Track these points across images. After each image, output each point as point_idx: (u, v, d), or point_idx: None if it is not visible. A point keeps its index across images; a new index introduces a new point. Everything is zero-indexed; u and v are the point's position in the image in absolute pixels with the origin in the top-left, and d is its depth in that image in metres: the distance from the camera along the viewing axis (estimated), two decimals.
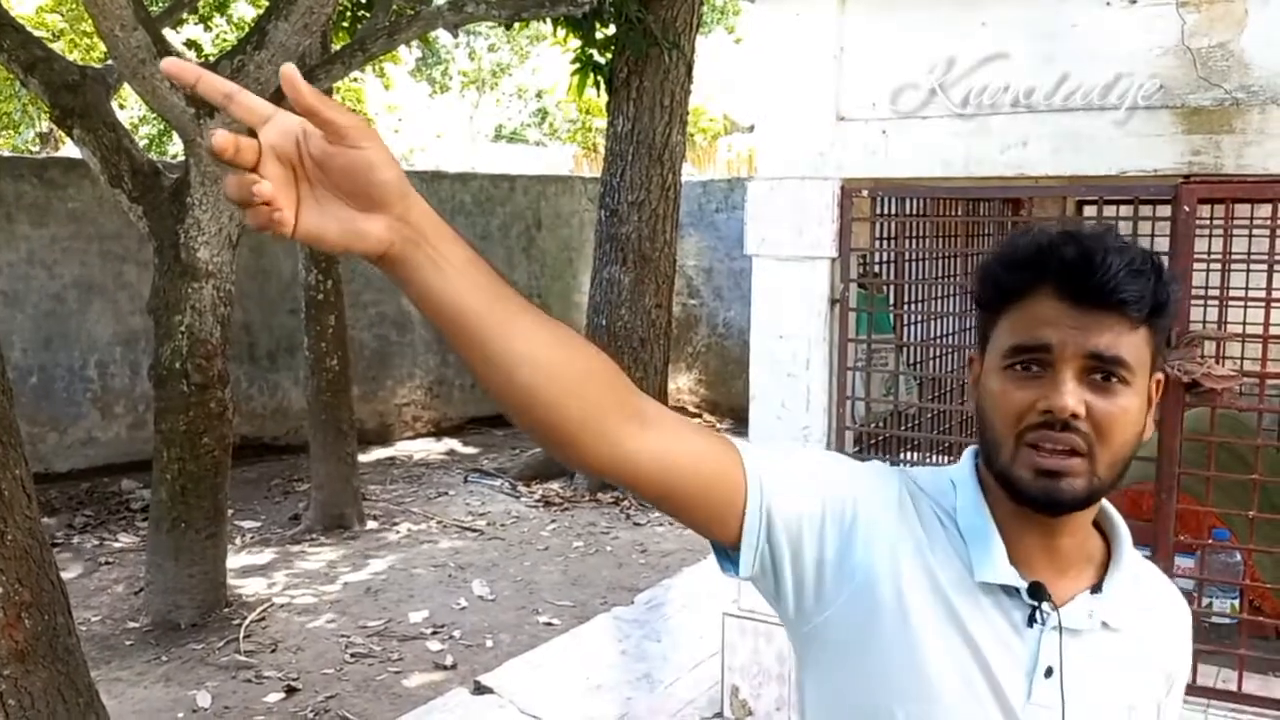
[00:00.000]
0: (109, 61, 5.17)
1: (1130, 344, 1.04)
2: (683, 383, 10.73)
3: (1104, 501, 1.15)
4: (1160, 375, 1.10)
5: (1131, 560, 1.16)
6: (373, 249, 0.88)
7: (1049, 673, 1.08)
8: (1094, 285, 1.02)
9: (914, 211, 3.46)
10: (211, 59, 6.23)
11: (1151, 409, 1.09)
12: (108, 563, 6.18)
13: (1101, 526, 1.17)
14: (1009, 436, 1.06)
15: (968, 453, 1.18)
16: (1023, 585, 1.09)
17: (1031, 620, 1.09)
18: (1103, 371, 1.04)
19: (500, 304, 0.92)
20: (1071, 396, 1.02)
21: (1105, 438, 1.04)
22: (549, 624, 5.33)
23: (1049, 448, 1.03)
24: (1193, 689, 2.77)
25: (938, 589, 1.09)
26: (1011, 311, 1.08)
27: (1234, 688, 2.74)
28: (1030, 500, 1.06)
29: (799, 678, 1.19)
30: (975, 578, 1.09)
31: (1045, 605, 1.08)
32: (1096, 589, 1.12)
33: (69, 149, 9.64)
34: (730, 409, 10.28)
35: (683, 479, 1.04)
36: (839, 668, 1.13)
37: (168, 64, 0.85)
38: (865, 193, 3.14)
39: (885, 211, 3.30)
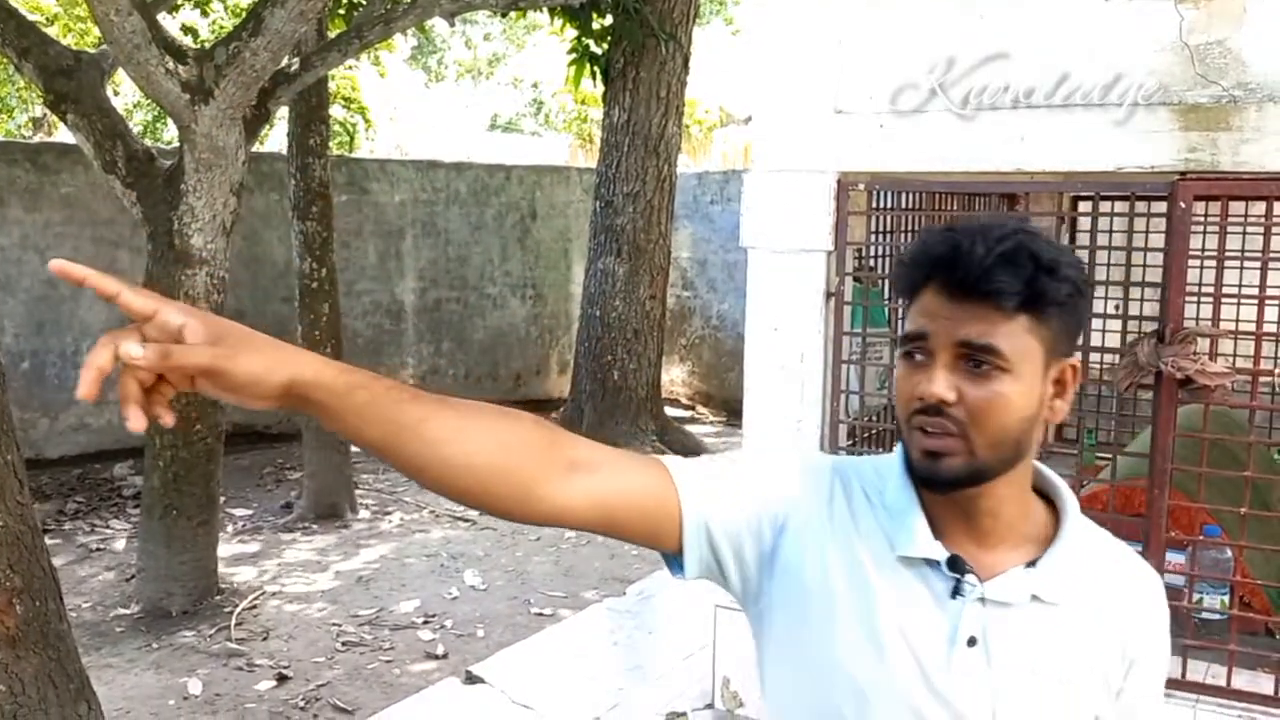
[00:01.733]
0: (103, 47, 5.14)
1: (1005, 332, 1.08)
2: (676, 375, 10.73)
3: (1056, 480, 1.22)
4: (1071, 362, 1.15)
5: (1082, 537, 1.20)
6: (269, 406, 1.01)
7: (972, 642, 1.12)
8: (962, 277, 1.08)
9: (910, 206, 3.46)
10: (207, 45, 6.20)
11: (1066, 395, 1.15)
12: (99, 549, 6.17)
13: (1055, 503, 1.22)
14: (904, 420, 1.14)
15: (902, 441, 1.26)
16: (942, 557, 1.14)
17: (955, 593, 1.13)
18: (974, 359, 1.09)
19: (400, 427, 1.04)
20: (939, 384, 1.09)
21: (978, 421, 1.09)
22: (541, 614, 5.34)
23: (930, 430, 1.11)
24: (1182, 684, 2.78)
25: (861, 569, 1.15)
26: (911, 306, 1.15)
27: (1223, 683, 2.75)
28: (919, 479, 1.14)
29: (758, 660, 1.26)
30: (896, 552, 1.15)
31: (969, 577, 1.13)
32: (1032, 564, 1.16)
33: (63, 134, 9.60)
34: (723, 401, 10.29)
35: (619, 512, 1.14)
36: (783, 651, 1.21)
37: (54, 265, 0.93)
38: (862, 186, 3.14)
39: (881, 205, 3.30)
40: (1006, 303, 1.08)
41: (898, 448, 1.22)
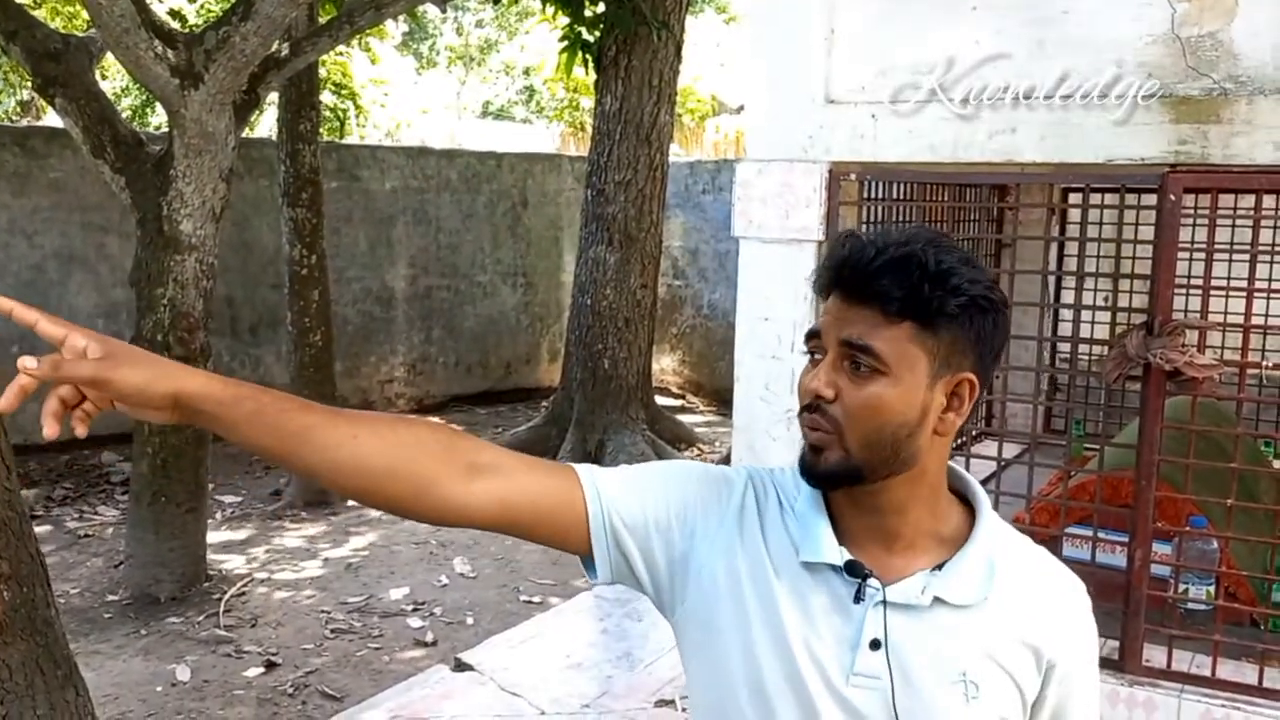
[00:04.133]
0: (92, 30, 5.10)
1: (886, 336, 1.11)
2: (666, 364, 10.74)
3: (972, 485, 1.24)
4: (969, 377, 1.15)
5: (996, 541, 1.21)
6: (163, 419, 1.11)
7: (875, 645, 1.14)
8: (849, 280, 1.12)
9: (901, 197, 3.46)
10: (196, 29, 6.16)
11: (961, 409, 1.16)
12: (87, 536, 6.16)
13: (973, 508, 1.23)
14: (798, 415, 1.17)
15: None
16: (840, 562, 1.16)
17: (859, 597, 1.15)
18: (852, 359, 1.12)
19: (289, 434, 1.10)
20: (818, 380, 1.13)
21: (851, 420, 1.12)
22: (530, 602, 5.35)
23: (806, 425, 1.15)
24: (1168, 674, 2.80)
25: (767, 576, 1.18)
26: (823, 304, 1.18)
27: (1208, 673, 2.77)
28: (803, 472, 1.17)
29: (682, 662, 1.29)
30: (799, 558, 1.18)
31: (870, 581, 1.15)
32: (939, 568, 1.17)
33: (51, 118, 9.53)
34: (714, 390, 10.30)
35: (521, 514, 1.18)
36: (697, 655, 1.23)
37: None
38: (853, 176, 3.13)
39: (873, 196, 3.30)
40: (889, 307, 1.10)
41: None
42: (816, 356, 1.15)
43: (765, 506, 1.22)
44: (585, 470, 1.22)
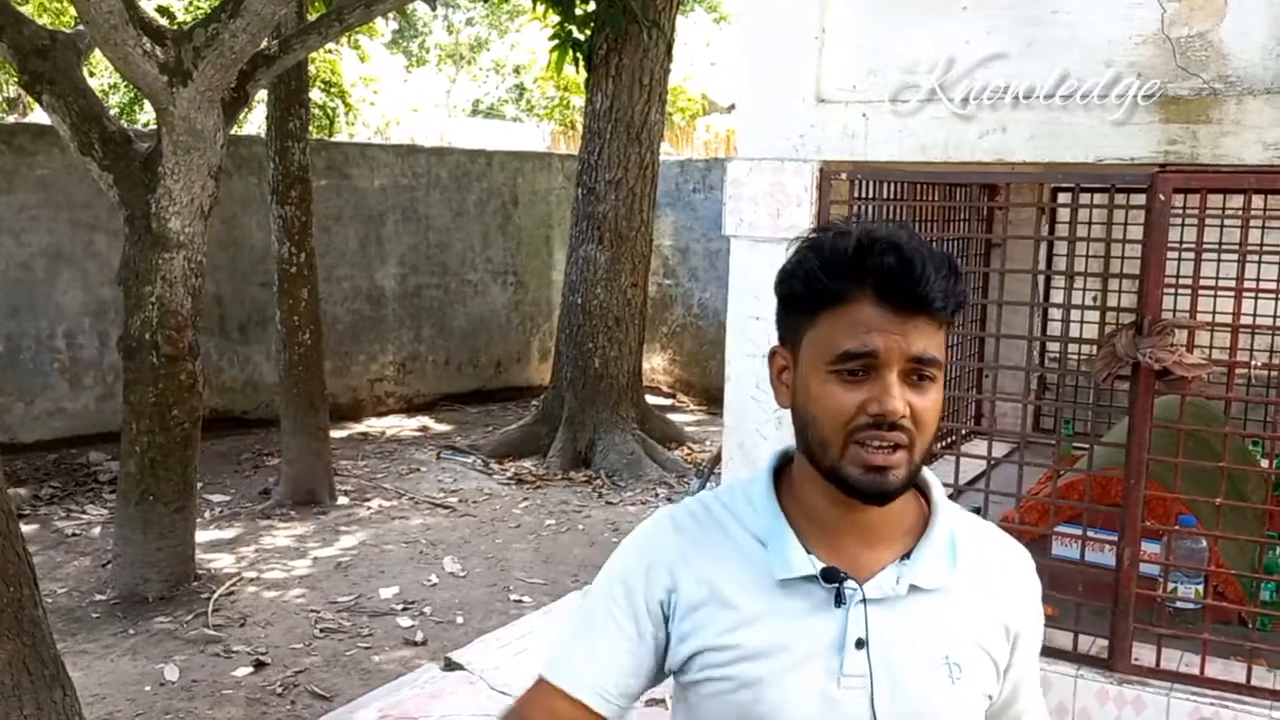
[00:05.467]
0: (80, 27, 5.08)
1: (938, 343, 1.12)
2: (657, 363, 10.73)
3: (924, 468, 1.23)
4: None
5: (952, 522, 1.23)
6: None
7: (860, 644, 1.15)
8: (914, 293, 1.09)
9: (892, 196, 3.47)
10: (185, 26, 6.14)
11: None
12: (75, 535, 6.13)
13: (925, 494, 1.24)
14: (838, 436, 1.12)
15: (770, 458, 1.26)
16: (817, 571, 1.16)
17: (839, 600, 1.16)
18: (919, 372, 1.11)
19: None
20: (900, 400, 1.10)
21: (923, 430, 1.12)
22: (520, 601, 5.34)
23: (876, 445, 1.11)
24: (1157, 672, 2.81)
25: (741, 608, 1.17)
26: (829, 315, 1.13)
27: (1197, 671, 2.78)
28: (860, 493, 1.13)
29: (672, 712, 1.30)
30: (775, 577, 1.17)
31: (848, 583, 1.16)
32: (907, 556, 1.19)
33: (38, 115, 9.47)
34: (704, 390, 10.29)
35: None
36: (702, 708, 1.22)
37: None
38: (844, 175, 3.14)
39: (863, 195, 3.30)
40: (940, 314, 1.11)
41: (764, 470, 1.25)
42: (861, 375, 1.11)
43: (711, 544, 1.21)
44: (584, 691, 1.21)
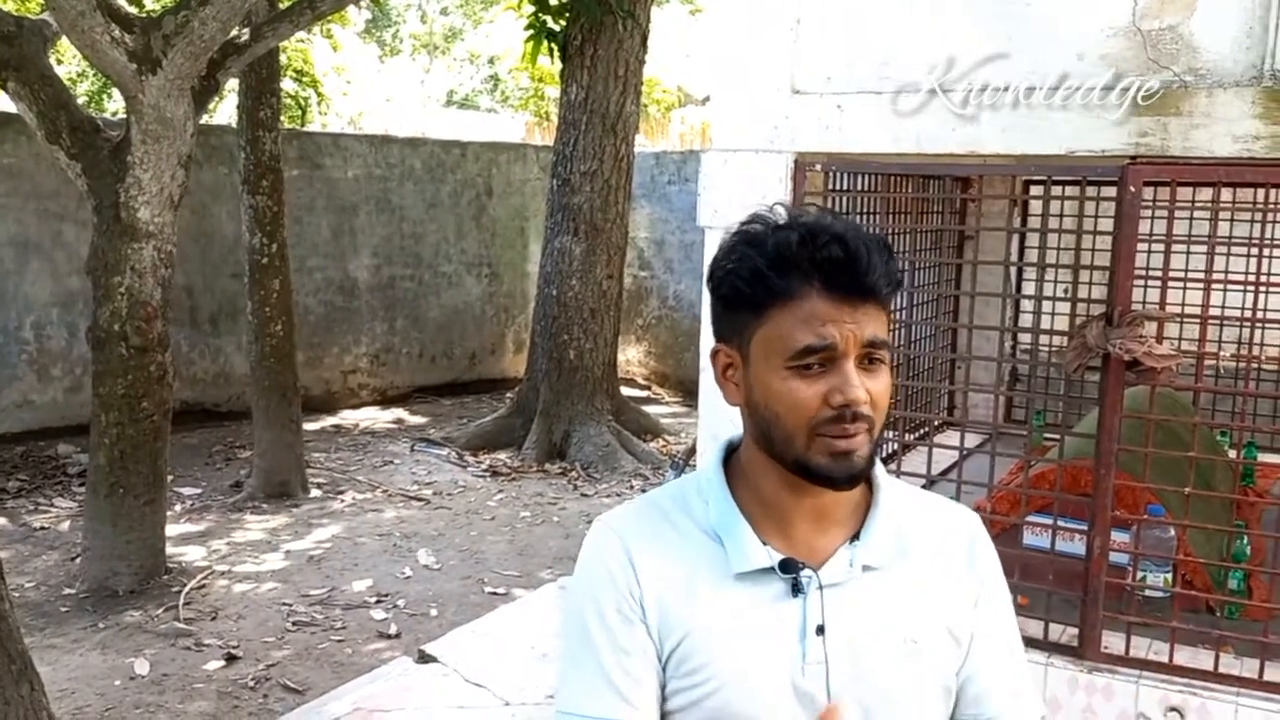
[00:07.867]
0: (46, 13, 5.00)
1: (885, 325, 1.14)
2: (632, 355, 10.73)
3: None
4: None
5: (895, 496, 1.24)
6: None
7: (820, 630, 1.16)
8: (861, 282, 1.10)
9: (866, 188, 3.47)
10: (154, 14, 6.06)
11: None
12: (43, 528, 6.06)
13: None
14: (802, 430, 1.12)
15: (716, 451, 1.26)
16: (774, 563, 1.16)
17: (797, 590, 1.16)
18: (870, 356, 1.13)
19: None
20: (861, 390, 1.11)
21: (879, 411, 1.14)
22: (495, 593, 5.33)
23: (850, 432, 1.12)
24: (1126, 660, 2.83)
25: (700, 605, 1.17)
26: (778, 311, 1.13)
27: (1165, 659, 2.81)
28: (830, 480, 1.14)
29: None
30: (732, 572, 1.17)
31: (804, 572, 1.17)
32: (856, 537, 1.20)
33: (4, 103, 9.35)
34: (679, 381, 10.31)
35: None
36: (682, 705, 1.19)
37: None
38: (819, 167, 3.14)
39: (838, 187, 3.31)
40: (885, 298, 1.13)
41: (713, 463, 1.24)
42: (817, 368, 1.12)
43: (662, 544, 1.19)
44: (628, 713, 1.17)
